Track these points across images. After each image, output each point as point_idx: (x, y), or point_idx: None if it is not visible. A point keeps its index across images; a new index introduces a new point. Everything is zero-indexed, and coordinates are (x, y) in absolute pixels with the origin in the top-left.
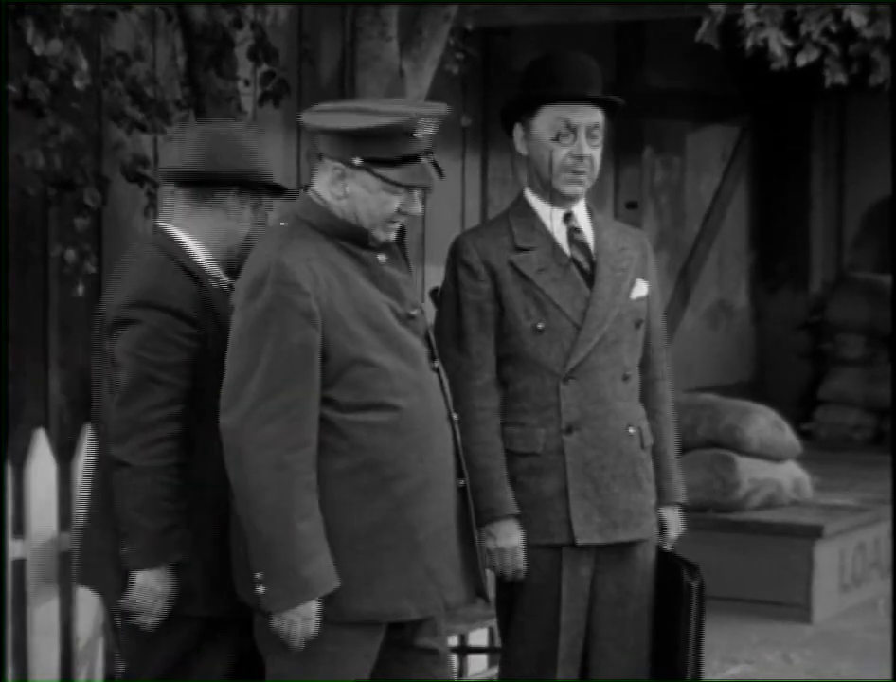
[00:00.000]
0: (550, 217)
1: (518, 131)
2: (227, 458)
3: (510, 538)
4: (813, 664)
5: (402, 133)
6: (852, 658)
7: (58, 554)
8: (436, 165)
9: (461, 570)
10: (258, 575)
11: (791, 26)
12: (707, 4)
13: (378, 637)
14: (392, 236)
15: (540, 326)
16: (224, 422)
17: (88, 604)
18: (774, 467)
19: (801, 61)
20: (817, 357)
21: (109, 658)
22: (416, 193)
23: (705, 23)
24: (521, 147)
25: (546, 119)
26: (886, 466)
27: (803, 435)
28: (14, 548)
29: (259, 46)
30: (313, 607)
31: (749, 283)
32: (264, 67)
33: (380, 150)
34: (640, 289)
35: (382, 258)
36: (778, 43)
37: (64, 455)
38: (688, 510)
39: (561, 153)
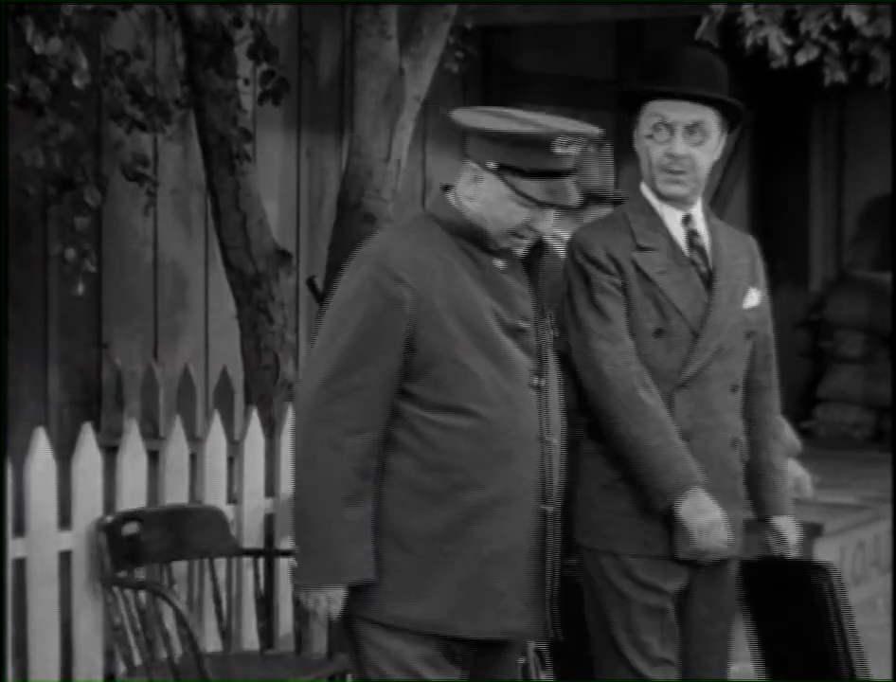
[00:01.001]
0: (670, 217)
1: (636, 131)
2: (294, 425)
3: (709, 512)
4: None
5: (537, 145)
6: None
7: (58, 553)
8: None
9: (528, 600)
10: (296, 548)
11: (790, 25)
12: (706, 3)
13: (434, 647)
14: (520, 251)
15: (660, 330)
16: (297, 390)
17: (88, 604)
18: None
19: (801, 59)
20: (817, 355)
21: (108, 658)
22: (550, 211)
23: (704, 21)
24: (635, 145)
25: (645, 117)
26: (885, 464)
27: (803, 433)
28: (14, 548)
29: (258, 45)
30: (339, 592)
31: None
32: (264, 66)
33: (514, 158)
34: (752, 298)
35: (499, 263)
36: (777, 41)
37: (64, 453)
38: None
39: (657, 152)
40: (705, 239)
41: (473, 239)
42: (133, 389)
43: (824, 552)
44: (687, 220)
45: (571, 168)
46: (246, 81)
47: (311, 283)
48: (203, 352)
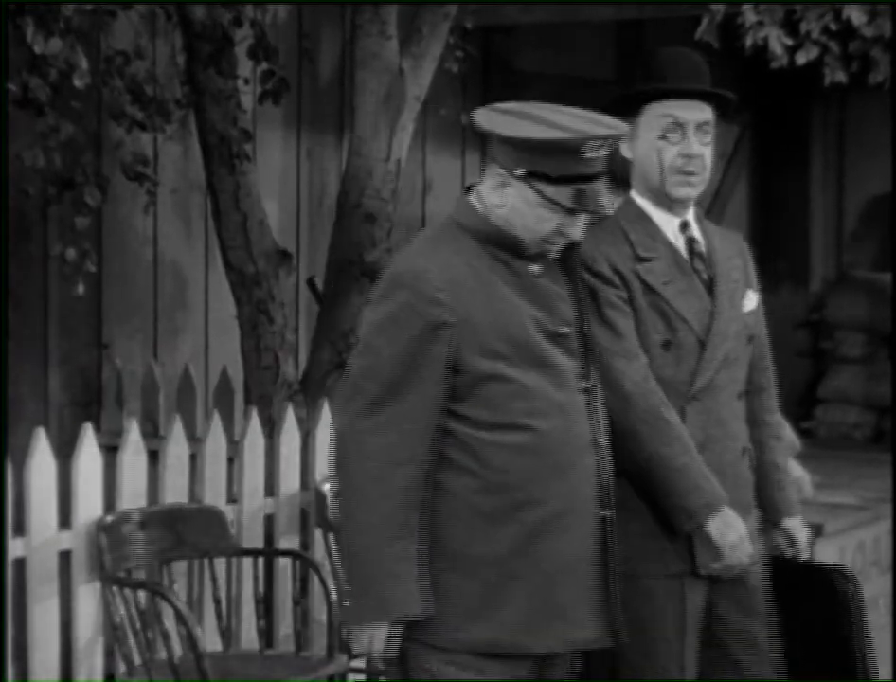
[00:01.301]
0: (667, 224)
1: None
2: (334, 462)
3: (737, 528)
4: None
5: (566, 150)
6: None
7: (58, 553)
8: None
9: (594, 607)
10: (346, 586)
11: (790, 25)
12: (706, 3)
13: (499, 671)
14: (553, 253)
15: (668, 342)
16: (335, 424)
17: (88, 604)
18: None
19: (801, 59)
20: (817, 355)
21: (108, 657)
22: (581, 216)
23: (704, 21)
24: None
25: (652, 117)
26: (886, 464)
27: (803, 433)
28: (14, 547)
29: (258, 45)
30: (385, 629)
31: None
32: (264, 66)
33: (543, 164)
34: (751, 301)
35: (535, 268)
36: (777, 41)
37: (64, 453)
38: None
39: (670, 153)
40: (702, 245)
41: (503, 246)
42: (133, 389)
43: (824, 552)
44: (684, 226)
45: (602, 170)
46: (246, 81)
47: (311, 283)
48: (203, 352)
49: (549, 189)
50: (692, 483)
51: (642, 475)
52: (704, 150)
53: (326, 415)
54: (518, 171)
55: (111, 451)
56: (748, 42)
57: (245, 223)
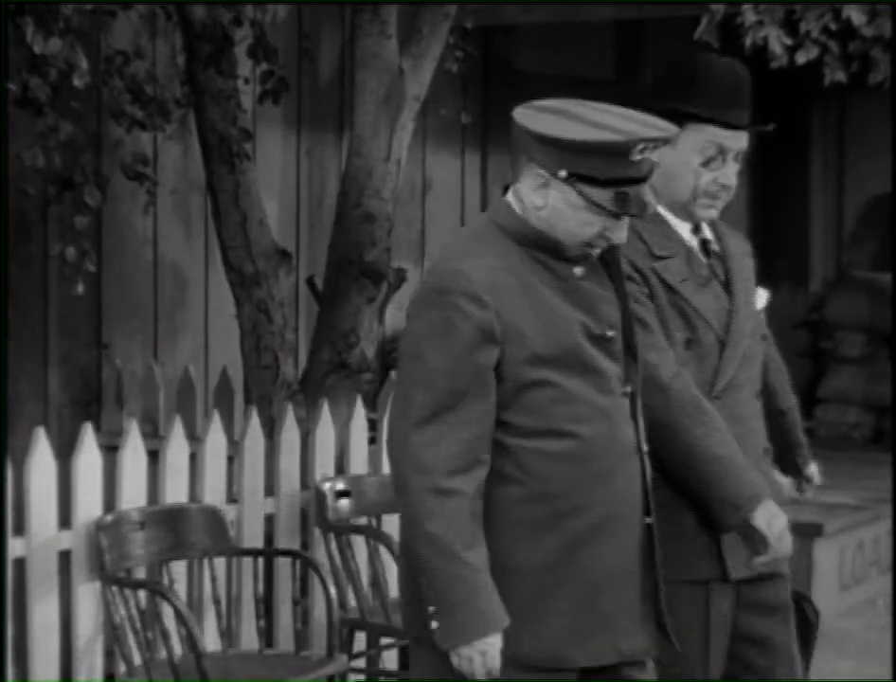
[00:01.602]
0: (681, 225)
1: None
2: (392, 480)
3: (782, 519)
4: (812, 662)
5: (616, 152)
6: (852, 657)
7: (58, 553)
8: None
9: (640, 616)
10: (430, 608)
11: (790, 25)
12: (706, 3)
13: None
14: (593, 255)
15: (689, 340)
16: (389, 441)
17: (88, 603)
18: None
19: (801, 59)
20: (817, 355)
21: (108, 657)
22: (625, 219)
23: (704, 21)
24: (666, 156)
25: (696, 139)
26: (885, 464)
27: (803, 433)
28: (14, 547)
29: (258, 45)
30: (492, 641)
31: None
32: (264, 66)
33: (588, 166)
34: (762, 299)
35: (578, 270)
36: (777, 41)
37: (64, 453)
38: None
39: (706, 178)
40: (716, 245)
41: (545, 248)
42: (133, 389)
43: (824, 552)
44: (696, 229)
45: (647, 173)
46: (246, 81)
47: (311, 283)
48: (203, 352)
49: (594, 192)
50: (737, 474)
51: (681, 468)
52: (736, 178)
53: (326, 415)
54: (562, 173)
55: (111, 451)
56: (748, 41)
57: (245, 222)
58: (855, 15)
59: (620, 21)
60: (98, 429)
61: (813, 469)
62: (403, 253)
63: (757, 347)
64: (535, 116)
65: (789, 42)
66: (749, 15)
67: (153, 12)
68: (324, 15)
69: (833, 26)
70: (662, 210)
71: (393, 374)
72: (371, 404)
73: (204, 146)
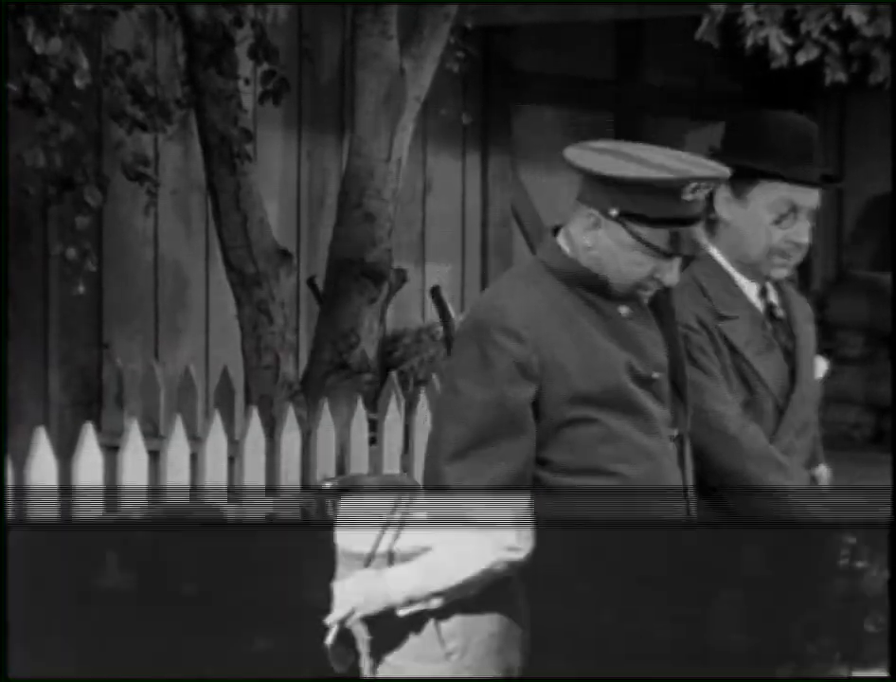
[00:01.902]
0: (748, 287)
1: (724, 191)
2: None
3: None
4: None
5: (667, 191)
6: None
7: None
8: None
9: None
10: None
11: (791, 25)
12: (706, 3)
13: None
14: (645, 299)
15: (747, 403)
16: (424, 475)
17: None
18: None
19: (801, 59)
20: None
21: None
22: (676, 260)
23: (705, 21)
24: (723, 209)
25: (769, 196)
26: (886, 464)
27: None
28: None
29: (259, 45)
30: None
31: None
32: (264, 66)
33: (639, 205)
34: (820, 368)
35: (624, 310)
36: (777, 41)
37: (64, 453)
38: None
39: (778, 236)
40: (781, 310)
41: (592, 288)
42: (133, 389)
43: None
44: (763, 292)
45: (699, 214)
46: (247, 81)
47: (311, 283)
48: (203, 352)
49: (645, 231)
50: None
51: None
52: (809, 236)
53: (326, 415)
54: (613, 212)
55: (111, 451)
56: (748, 42)
57: (246, 223)
58: (856, 15)
59: (620, 21)
60: (98, 429)
61: (822, 470)
62: (403, 253)
63: (813, 416)
64: (587, 156)
65: (789, 42)
66: (750, 15)
67: (154, 12)
68: (324, 15)
69: (833, 27)
70: (730, 269)
71: (393, 374)
72: (372, 405)
73: (204, 146)
